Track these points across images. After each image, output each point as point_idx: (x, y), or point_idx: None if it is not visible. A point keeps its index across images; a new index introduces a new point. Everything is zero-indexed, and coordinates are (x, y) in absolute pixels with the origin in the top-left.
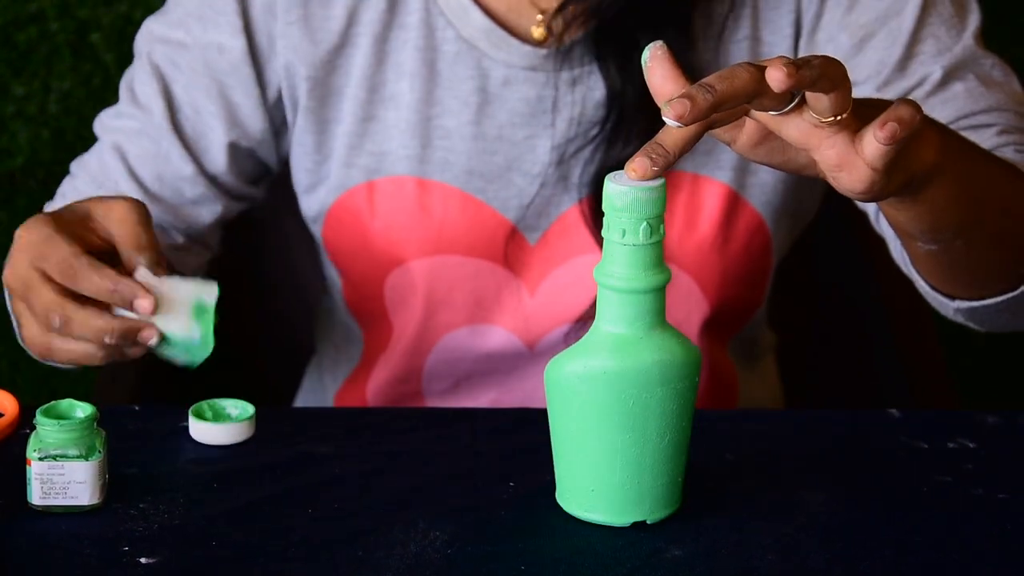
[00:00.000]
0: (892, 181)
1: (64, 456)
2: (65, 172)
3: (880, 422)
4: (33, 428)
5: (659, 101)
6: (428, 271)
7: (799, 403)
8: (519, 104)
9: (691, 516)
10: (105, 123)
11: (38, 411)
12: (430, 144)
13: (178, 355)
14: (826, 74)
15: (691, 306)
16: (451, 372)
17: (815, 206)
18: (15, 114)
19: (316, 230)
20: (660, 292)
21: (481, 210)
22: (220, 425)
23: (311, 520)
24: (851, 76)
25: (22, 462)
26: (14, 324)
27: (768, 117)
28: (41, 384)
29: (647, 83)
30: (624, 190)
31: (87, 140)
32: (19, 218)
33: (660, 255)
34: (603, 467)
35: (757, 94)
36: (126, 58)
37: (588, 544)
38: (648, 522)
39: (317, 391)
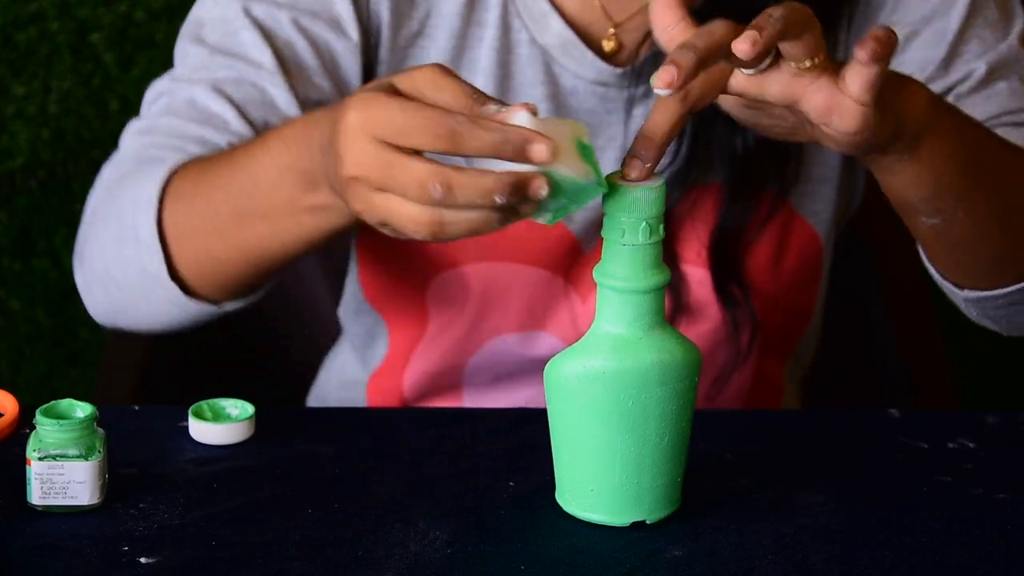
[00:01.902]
0: (885, 123)
1: (64, 456)
2: (65, 172)
3: (880, 422)
4: (33, 428)
5: (655, 29)
6: (484, 276)
7: (802, 402)
8: (587, 116)
9: (691, 516)
10: (185, 74)
11: (38, 411)
12: None
13: (563, 206)
14: (792, 20)
15: (744, 319)
16: (493, 371)
17: (853, 209)
18: (15, 114)
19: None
20: (660, 292)
21: None
22: (220, 425)
23: (311, 520)
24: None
25: (22, 462)
26: (377, 225)
27: (749, 83)
28: (41, 384)
29: (651, 14)
30: (624, 190)
31: (87, 140)
32: (19, 218)
33: (659, 255)
34: (603, 467)
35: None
36: (126, 58)
37: (588, 544)
38: (648, 522)
39: (333, 384)
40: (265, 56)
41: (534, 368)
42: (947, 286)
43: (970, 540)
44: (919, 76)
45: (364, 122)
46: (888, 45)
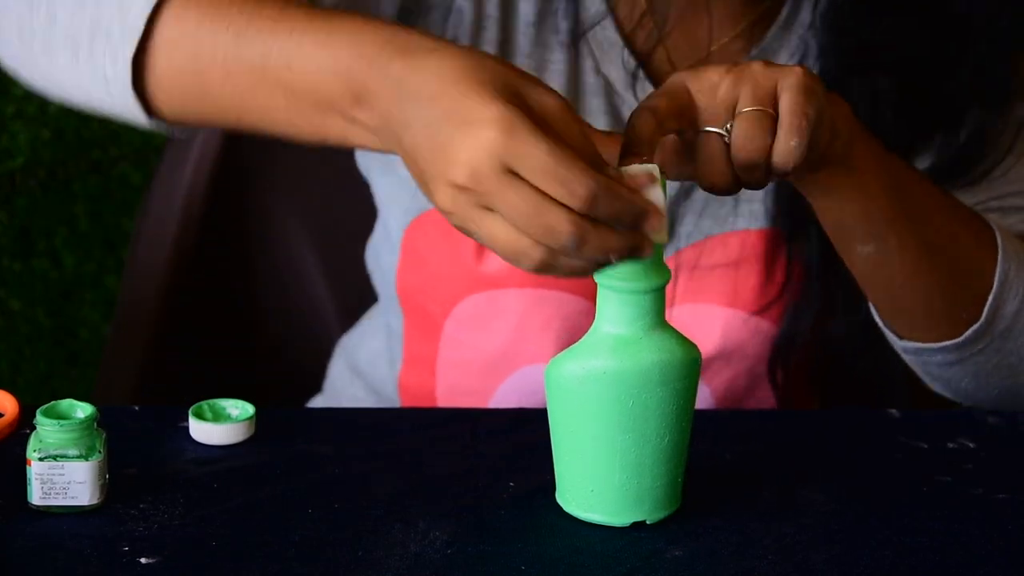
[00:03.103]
0: (822, 135)
1: (64, 456)
2: (65, 172)
3: (880, 422)
4: (33, 428)
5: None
6: (527, 301)
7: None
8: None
9: (691, 516)
10: None
11: (38, 411)
12: None
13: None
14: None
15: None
16: (521, 400)
17: None
18: (15, 114)
19: (414, 207)
20: (660, 292)
21: None
22: (220, 425)
23: (311, 520)
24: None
25: (22, 462)
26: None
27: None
28: (41, 384)
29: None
30: None
31: (87, 140)
32: (19, 218)
33: (660, 255)
34: (603, 467)
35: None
36: None
37: (588, 544)
38: (648, 522)
39: (359, 359)
40: None
41: None
42: (891, 337)
43: (970, 540)
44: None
45: (503, 149)
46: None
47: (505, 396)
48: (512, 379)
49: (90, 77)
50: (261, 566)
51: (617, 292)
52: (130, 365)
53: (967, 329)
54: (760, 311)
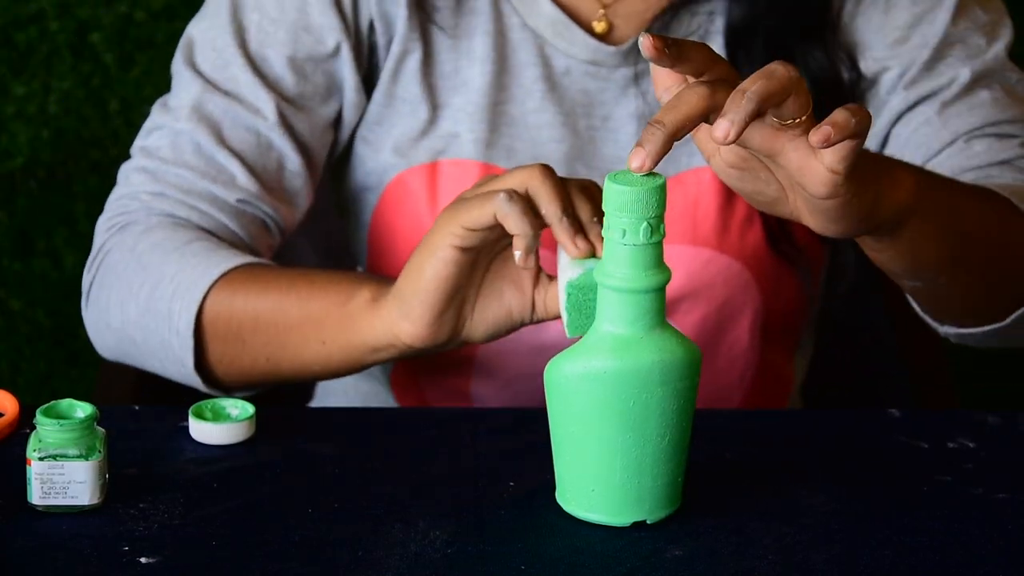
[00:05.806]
0: (862, 202)
1: (64, 456)
2: (65, 172)
3: (880, 422)
4: (33, 428)
5: (658, 90)
6: None
7: (801, 403)
8: (580, 95)
9: (691, 516)
10: (183, 108)
11: (38, 411)
12: (497, 130)
13: (584, 307)
14: (771, 92)
15: (746, 300)
16: (503, 367)
17: None
18: (15, 114)
19: (370, 199)
20: (660, 292)
21: None
22: (220, 425)
23: (311, 520)
24: (882, 73)
25: (22, 462)
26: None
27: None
28: (41, 384)
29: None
30: (624, 190)
31: (87, 140)
32: (19, 218)
33: (660, 255)
34: (603, 467)
35: (711, 110)
36: (126, 58)
37: (588, 544)
38: (648, 522)
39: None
40: (261, 100)
41: (543, 365)
42: (928, 320)
43: (970, 540)
44: (903, 77)
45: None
46: (844, 130)
47: (487, 360)
48: (490, 344)
49: (178, 377)
50: (261, 566)
51: (617, 292)
52: (130, 365)
53: (1010, 315)
54: (723, 248)
